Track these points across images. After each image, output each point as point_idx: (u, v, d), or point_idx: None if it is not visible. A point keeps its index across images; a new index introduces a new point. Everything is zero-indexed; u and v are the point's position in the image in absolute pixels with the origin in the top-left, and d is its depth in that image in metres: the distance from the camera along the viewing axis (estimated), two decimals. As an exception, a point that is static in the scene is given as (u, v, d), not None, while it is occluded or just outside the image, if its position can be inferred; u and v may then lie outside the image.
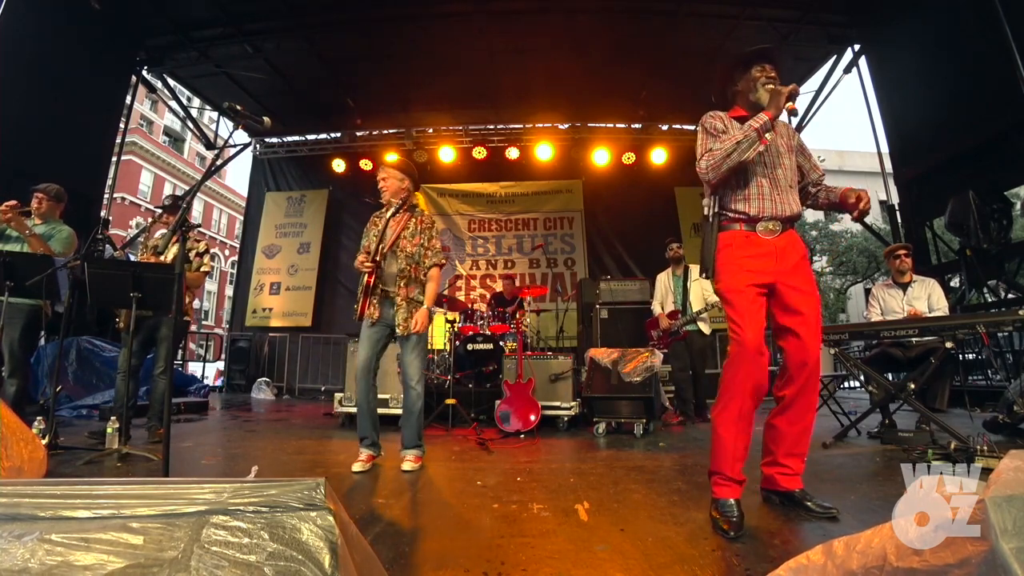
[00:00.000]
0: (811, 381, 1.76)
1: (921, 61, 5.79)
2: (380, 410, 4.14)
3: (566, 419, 4.15)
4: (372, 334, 2.71)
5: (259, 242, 8.86)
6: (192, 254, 3.51)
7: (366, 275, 2.68)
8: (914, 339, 3.23)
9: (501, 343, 4.92)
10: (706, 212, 1.90)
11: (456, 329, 4.74)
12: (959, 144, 5.41)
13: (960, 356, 5.94)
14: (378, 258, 2.68)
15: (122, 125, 7.09)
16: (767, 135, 1.74)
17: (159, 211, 3.64)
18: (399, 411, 4.25)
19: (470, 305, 6.08)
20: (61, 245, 3.28)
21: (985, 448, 2.41)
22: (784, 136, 1.93)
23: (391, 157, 3.06)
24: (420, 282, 2.77)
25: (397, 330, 2.68)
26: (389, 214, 2.73)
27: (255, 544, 0.63)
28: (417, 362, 2.70)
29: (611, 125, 8.71)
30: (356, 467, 2.55)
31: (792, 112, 1.81)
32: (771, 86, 1.82)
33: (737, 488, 1.67)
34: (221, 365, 10.08)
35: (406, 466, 2.57)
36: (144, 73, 7.20)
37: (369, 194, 8.35)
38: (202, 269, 3.58)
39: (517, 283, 7.34)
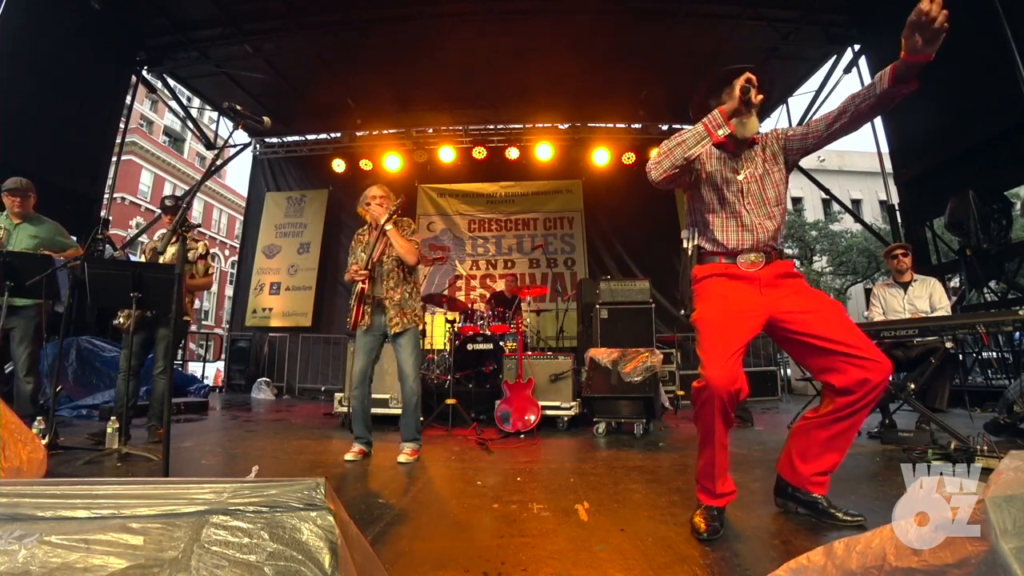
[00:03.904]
0: (873, 394, 1.56)
1: (921, 61, 5.77)
2: (382, 410, 4.22)
3: (566, 419, 4.15)
4: (366, 343, 2.89)
5: (259, 242, 8.85)
6: (192, 255, 3.51)
7: (360, 283, 2.86)
8: (916, 339, 3.22)
9: (501, 343, 4.91)
10: (684, 245, 1.83)
11: (456, 329, 4.74)
12: (959, 144, 5.41)
13: (960, 356, 5.93)
14: (369, 267, 2.86)
15: (122, 125, 7.09)
16: (720, 132, 1.62)
17: (159, 212, 3.64)
18: (399, 411, 4.29)
19: (470, 305, 6.08)
20: (61, 246, 3.31)
21: (985, 448, 2.41)
22: (768, 148, 1.80)
23: (380, 162, 3.17)
24: (408, 283, 2.95)
25: (388, 330, 2.85)
26: (383, 220, 2.86)
27: (255, 544, 0.63)
28: (412, 359, 2.87)
29: (611, 125, 8.70)
30: (348, 456, 2.82)
31: (748, 103, 1.62)
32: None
33: (722, 500, 1.65)
34: (221, 365, 10.08)
35: (402, 458, 2.76)
36: (144, 73, 7.19)
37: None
38: (209, 272, 3.59)
39: (517, 283, 7.34)
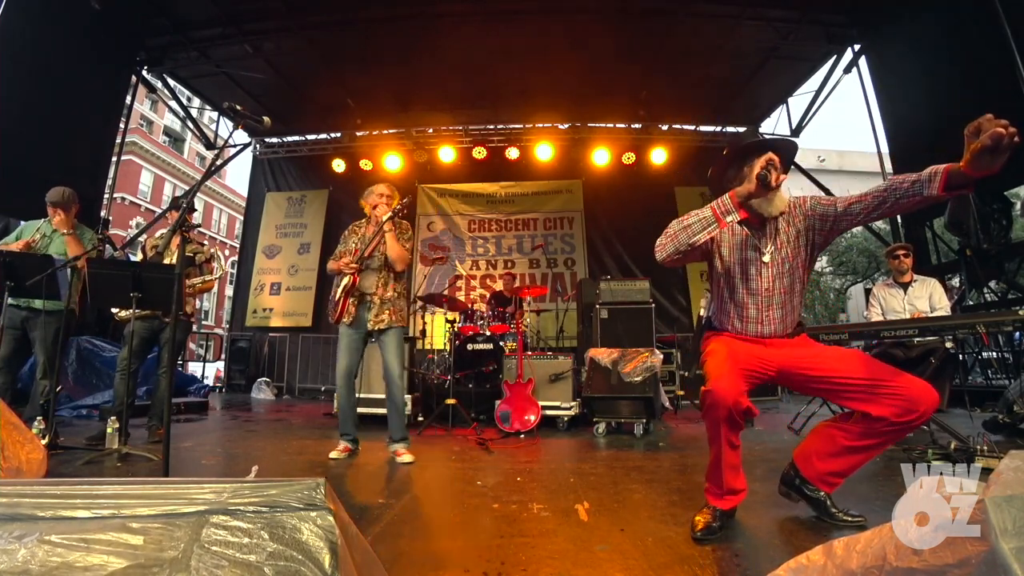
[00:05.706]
0: (920, 422, 1.51)
1: (921, 61, 5.78)
2: (374, 409, 4.19)
3: (566, 419, 4.15)
4: (351, 341, 2.91)
5: (259, 242, 8.86)
6: (200, 258, 3.54)
7: (349, 277, 2.87)
8: (916, 339, 3.22)
9: (501, 343, 4.91)
10: (702, 313, 1.91)
11: (456, 329, 4.74)
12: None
13: (960, 356, 5.93)
14: (360, 262, 2.88)
15: (122, 125, 7.09)
16: (728, 218, 1.56)
17: (161, 212, 3.66)
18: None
19: (470, 305, 6.08)
20: (90, 244, 3.36)
21: (985, 448, 2.42)
22: (793, 226, 1.70)
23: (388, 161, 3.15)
24: (398, 281, 2.97)
25: (368, 325, 2.86)
26: (385, 219, 2.87)
27: (255, 544, 0.63)
28: (398, 358, 2.87)
29: (611, 125, 8.70)
30: (333, 454, 2.84)
31: (767, 186, 1.54)
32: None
33: (728, 499, 1.65)
34: (221, 365, 10.08)
35: (405, 458, 2.75)
36: (144, 73, 7.19)
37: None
38: (213, 275, 3.59)
39: (517, 283, 7.34)
